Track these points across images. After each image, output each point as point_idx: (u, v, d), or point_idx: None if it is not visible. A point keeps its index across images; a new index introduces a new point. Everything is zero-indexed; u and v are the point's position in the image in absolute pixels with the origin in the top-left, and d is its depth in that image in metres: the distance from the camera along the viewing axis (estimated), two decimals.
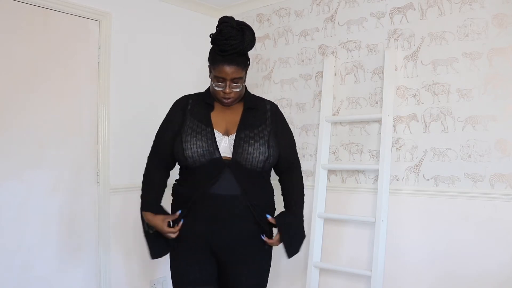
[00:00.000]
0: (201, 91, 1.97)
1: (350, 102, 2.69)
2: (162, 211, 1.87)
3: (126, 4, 2.80)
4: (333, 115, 2.74)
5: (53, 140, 2.46)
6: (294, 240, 1.87)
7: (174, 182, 1.95)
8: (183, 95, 1.98)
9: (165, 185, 1.95)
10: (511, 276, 2.11)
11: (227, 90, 1.77)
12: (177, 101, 1.94)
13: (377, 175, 2.50)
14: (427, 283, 2.37)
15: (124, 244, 2.79)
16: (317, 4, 2.86)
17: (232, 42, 1.72)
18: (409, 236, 2.43)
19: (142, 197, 1.91)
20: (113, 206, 2.72)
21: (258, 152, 1.75)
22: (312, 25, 2.88)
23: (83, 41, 2.59)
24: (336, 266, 2.66)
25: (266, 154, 1.77)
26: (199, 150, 1.72)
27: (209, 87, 1.89)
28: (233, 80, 1.76)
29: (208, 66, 1.84)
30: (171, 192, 1.95)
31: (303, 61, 2.93)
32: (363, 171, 2.62)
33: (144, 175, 1.96)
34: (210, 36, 1.80)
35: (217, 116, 1.83)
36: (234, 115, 1.84)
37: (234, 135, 1.78)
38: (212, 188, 1.74)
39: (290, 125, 2.72)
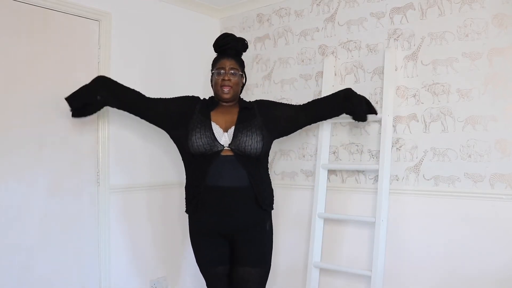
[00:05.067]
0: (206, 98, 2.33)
1: None
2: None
3: (126, 4, 2.80)
4: None
5: (53, 140, 2.46)
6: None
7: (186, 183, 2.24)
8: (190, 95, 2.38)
9: (109, 91, 2.33)
10: (511, 276, 2.11)
11: (226, 77, 2.17)
12: (192, 96, 2.33)
13: (377, 175, 2.50)
14: (427, 283, 2.37)
15: (124, 244, 2.79)
16: (317, 4, 2.86)
17: (227, 39, 2.24)
18: (409, 236, 2.43)
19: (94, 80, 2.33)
20: (113, 206, 2.72)
21: (255, 141, 2.10)
22: (312, 25, 2.88)
23: (83, 41, 2.59)
24: (336, 266, 2.66)
25: (262, 143, 2.12)
26: (199, 141, 2.07)
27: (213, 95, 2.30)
28: (231, 69, 2.19)
29: (211, 73, 2.28)
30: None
31: (303, 61, 2.93)
32: (363, 171, 2.62)
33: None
34: (213, 47, 2.30)
35: (218, 116, 2.19)
36: (232, 116, 2.20)
37: (233, 128, 2.13)
38: (221, 180, 2.07)
39: None
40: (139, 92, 2.37)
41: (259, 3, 3.15)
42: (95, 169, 2.65)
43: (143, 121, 2.88)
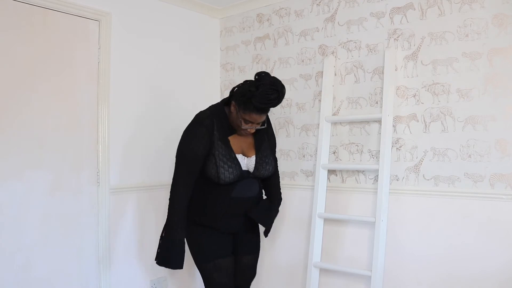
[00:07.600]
0: (216, 105, 2.23)
1: (350, 102, 2.69)
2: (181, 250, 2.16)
3: (126, 4, 2.80)
4: (333, 115, 2.74)
5: (53, 140, 2.46)
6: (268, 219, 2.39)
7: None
8: (200, 110, 2.23)
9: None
10: (511, 276, 2.11)
11: (253, 131, 2.17)
12: (200, 121, 2.14)
13: (377, 175, 2.50)
14: (427, 283, 2.37)
15: (124, 244, 2.79)
16: (317, 4, 2.86)
17: (271, 104, 2.03)
18: (409, 236, 2.44)
19: (171, 218, 2.17)
20: (113, 206, 2.72)
21: (271, 167, 2.29)
22: (312, 25, 2.88)
23: (83, 41, 2.59)
24: (336, 266, 2.66)
25: (274, 165, 2.33)
26: (231, 176, 2.12)
27: (222, 102, 2.22)
28: (260, 123, 2.14)
29: (236, 103, 2.08)
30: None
31: (303, 61, 2.93)
32: (363, 171, 2.62)
33: (176, 193, 2.17)
34: (249, 90, 2.00)
35: (236, 143, 2.20)
36: (247, 139, 2.25)
37: (253, 158, 2.23)
38: (243, 193, 2.20)
39: (290, 125, 3.10)
40: (193, 176, 2.16)
41: (259, 3, 3.15)
42: (95, 169, 2.65)
43: (143, 121, 2.90)
